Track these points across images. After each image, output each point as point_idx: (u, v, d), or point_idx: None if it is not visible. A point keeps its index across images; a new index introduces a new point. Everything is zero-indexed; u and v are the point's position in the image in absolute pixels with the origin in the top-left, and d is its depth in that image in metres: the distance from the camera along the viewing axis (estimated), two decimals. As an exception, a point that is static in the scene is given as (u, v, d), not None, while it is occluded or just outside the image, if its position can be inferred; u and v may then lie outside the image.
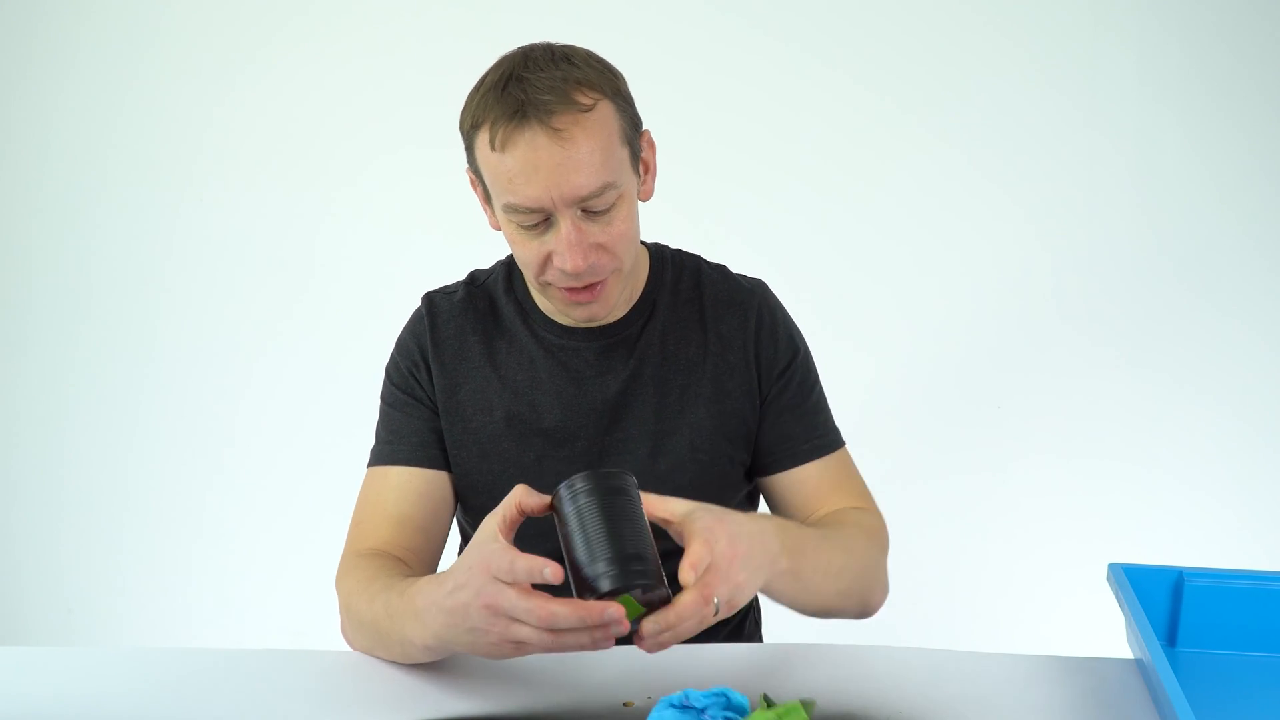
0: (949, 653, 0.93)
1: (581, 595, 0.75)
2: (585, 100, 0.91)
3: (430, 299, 1.12)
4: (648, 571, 0.75)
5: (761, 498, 1.18)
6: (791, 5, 2.00)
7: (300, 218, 2.16)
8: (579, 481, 0.79)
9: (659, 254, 1.13)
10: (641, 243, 1.14)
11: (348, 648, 0.98)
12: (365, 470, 1.09)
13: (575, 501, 0.78)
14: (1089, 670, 0.90)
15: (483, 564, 0.75)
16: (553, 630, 0.74)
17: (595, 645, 0.76)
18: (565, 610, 0.73)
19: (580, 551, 0.76)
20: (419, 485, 1.06)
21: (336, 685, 0.91)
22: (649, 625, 0.75)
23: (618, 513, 0.77)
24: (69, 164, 2.17)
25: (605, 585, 0.74)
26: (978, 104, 2.01)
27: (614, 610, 0.72)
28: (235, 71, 2.10)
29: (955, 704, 0.84)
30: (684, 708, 0.76)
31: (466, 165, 1.00)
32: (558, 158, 0.89)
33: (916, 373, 2.11)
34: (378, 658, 0.94)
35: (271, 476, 2.24)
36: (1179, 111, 1.98)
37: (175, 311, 2.21)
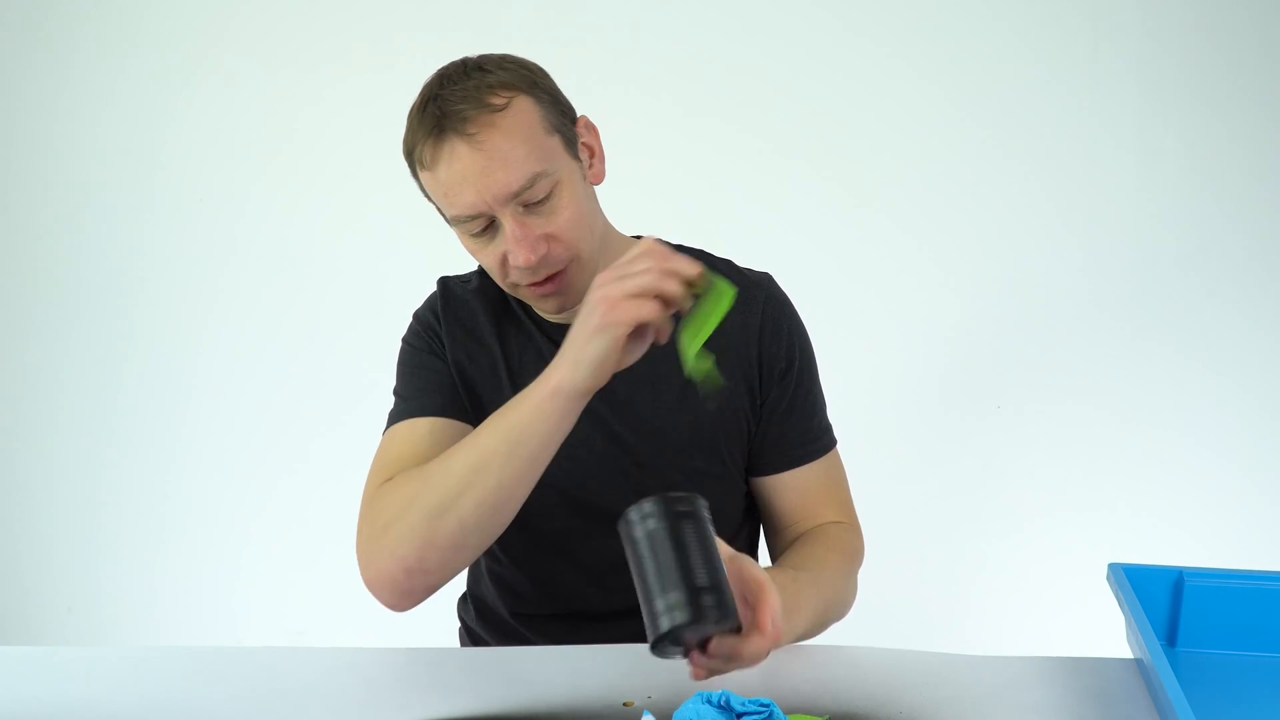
0: (949, 655, 0.93)
1: (653, 623, 0.71)
2: (498, 101, 0.93)
3: (445, 282, 1.14)
4: (722, 604, 0.71)
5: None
6: (791, 8, 2.00)
7: (299, 220, 2.16)
8: (648, 505, 0.74)
9: None
10: (644, 240, 1.13)
11: (347, 646, 0.98)
12: (384, 432, 1.05)
13: (645, 526, 0.73)
14: (1089, 670, 0.90)
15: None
16: (666, 269, 0.83)
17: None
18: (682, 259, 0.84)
19: (652, 580, 0.72)
20: (454, 434, 1.01)
21: (336, 685, 0.91)
22: (717, 648, 0.74)
23: (689, 540, 0.72)
24: (71, 166, 2.17)
25: (680, 618, 0.70)
26: (976, 104, 2.01)
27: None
28: (239, 76, 2.11)
29: (955, 704, 0.84)
30: (722, 708, 0.74)
31: (424, 196, 1.01)
32: (479, 161, 0.92)
33: (915, 373, 2.11)
34: (445, 538, 0.89)
35: (270, 476, 2.24)
36: (1179, 113, 1.98)
37: (175, 312, 2.21)
